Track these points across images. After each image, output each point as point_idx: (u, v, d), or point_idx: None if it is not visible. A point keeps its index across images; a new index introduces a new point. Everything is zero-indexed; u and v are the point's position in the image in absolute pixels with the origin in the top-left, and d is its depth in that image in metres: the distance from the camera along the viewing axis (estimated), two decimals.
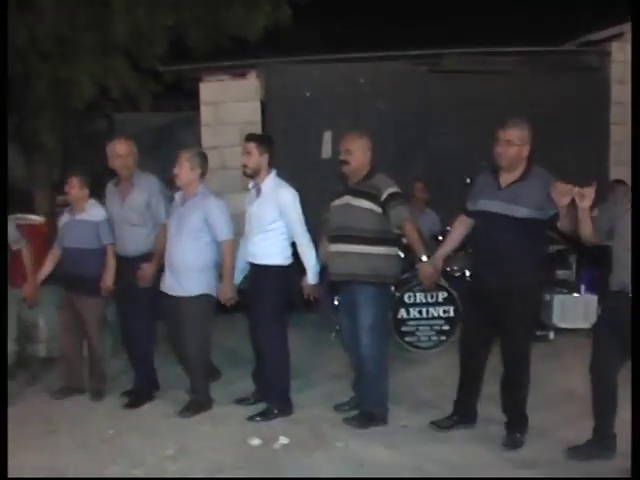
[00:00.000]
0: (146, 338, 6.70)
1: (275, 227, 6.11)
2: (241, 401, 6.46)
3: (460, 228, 5.77)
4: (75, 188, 6.69)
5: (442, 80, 9.96)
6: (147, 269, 6.44)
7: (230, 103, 9.93)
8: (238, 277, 6.40)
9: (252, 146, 6.13)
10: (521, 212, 5.23)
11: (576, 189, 4.86)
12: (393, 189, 5.88)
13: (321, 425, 5.96)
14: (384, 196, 5.82)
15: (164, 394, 6.75)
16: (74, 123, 10.87)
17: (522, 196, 5.23)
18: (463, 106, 9.77)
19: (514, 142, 5.26)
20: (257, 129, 9.61)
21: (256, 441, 5.65)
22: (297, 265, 6.21)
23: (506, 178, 5.38)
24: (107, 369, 6.96)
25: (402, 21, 10.04)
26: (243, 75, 9.94)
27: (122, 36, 9.87)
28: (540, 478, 5.03)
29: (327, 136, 9.39)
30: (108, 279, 6.63)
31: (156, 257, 6.46)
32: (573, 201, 4.94)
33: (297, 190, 6.18)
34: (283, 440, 5.65)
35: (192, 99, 10.97)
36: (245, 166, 6.18)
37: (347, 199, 5.99)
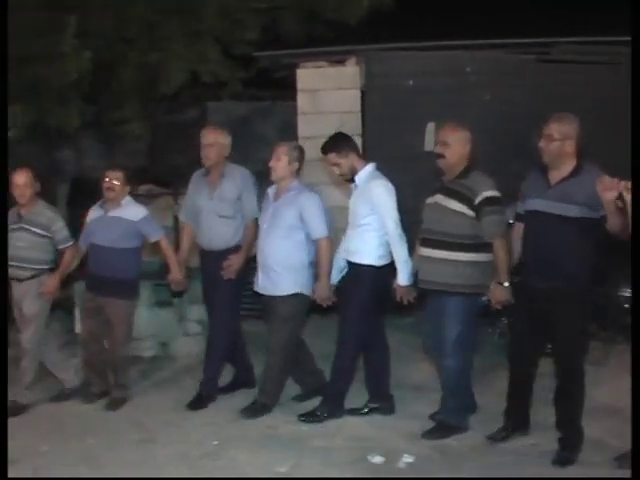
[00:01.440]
0: (234, 335, 6.46)
1: (367, 222, 5.74)
2: (354, 411, 5.98)
3: (518, 238, 5.32)
4: (121, 184, 6.32)
5: (552, 71, 9.37)
6: (235, 260, 6.21)
7: (328, 91, 9.46)
8: (336, 276, 6.03)
9: (333, 156, 5.87)
10: (573, 211, 4.95)
11: (623, 182, 4.45)
12: (489, 192, 5.36)
13: (446, 440, 5.45)
14: (478, 199, 5.32)
15: None
16: (162, 111, 10.60)
17: (573, 194, 4.95)
18: (573, 99, 9.11)
19: (554, 137, 5.01)
20: (356, 119, 9.21)
21: (378, 458, 5.15)
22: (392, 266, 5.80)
23: (555, 175, 5.08)
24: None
25: (511, 7, 9.47)
26: (342, 62, 9.44)
27: (212, 20, 9.48)
28: (547, 478, 4.83)
29: (430, 127, 8.88)
30: (176, 272, 6.35)
31: (244, 249, 6.26)
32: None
33: (396, 184, 5.87)
34: (407, 458, 5.14)
35: (274, 88, 10.56)
36: (341, 175, 5.95)
37: (438, 198, 5.52)
